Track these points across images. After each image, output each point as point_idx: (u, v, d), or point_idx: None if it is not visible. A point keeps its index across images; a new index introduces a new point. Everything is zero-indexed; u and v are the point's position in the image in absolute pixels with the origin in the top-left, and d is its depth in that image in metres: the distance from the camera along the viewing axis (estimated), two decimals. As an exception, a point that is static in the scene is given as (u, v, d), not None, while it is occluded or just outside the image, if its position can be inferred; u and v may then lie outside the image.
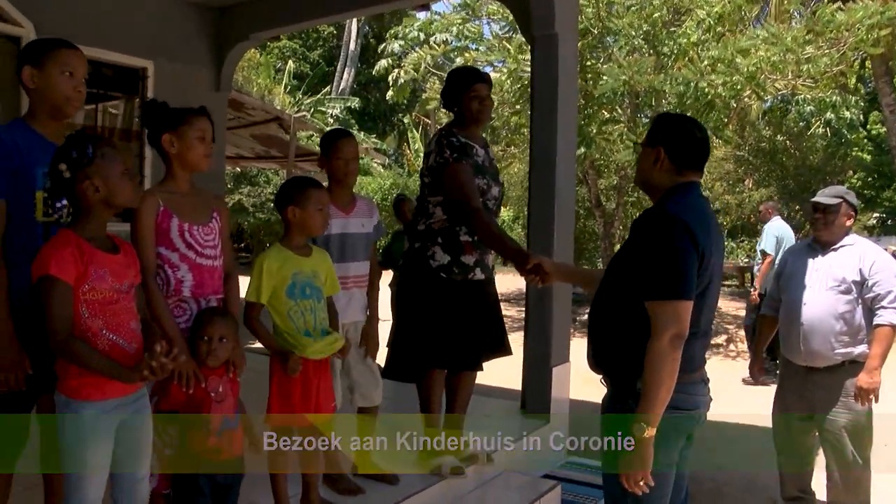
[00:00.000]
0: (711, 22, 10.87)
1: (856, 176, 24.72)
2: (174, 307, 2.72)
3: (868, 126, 25.61)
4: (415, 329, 3.79)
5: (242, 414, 2.82)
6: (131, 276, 2.41)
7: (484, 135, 4.18)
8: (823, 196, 4.25)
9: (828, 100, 14.04)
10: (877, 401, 4.04)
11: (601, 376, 2.69)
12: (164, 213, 2.71)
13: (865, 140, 25.68)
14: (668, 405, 2.40)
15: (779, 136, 16.74)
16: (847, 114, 20.26)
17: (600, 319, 2.66)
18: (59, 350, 2.24)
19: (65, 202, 2.31)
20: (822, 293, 4.12)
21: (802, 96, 13.44)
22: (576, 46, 5.56)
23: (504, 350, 4.02)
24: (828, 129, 19.88)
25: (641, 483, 2.40)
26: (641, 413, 2.37)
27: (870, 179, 25.67)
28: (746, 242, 17.76)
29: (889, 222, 25.47)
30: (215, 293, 2.84)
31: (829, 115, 18.29)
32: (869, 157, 25.18)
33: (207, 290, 2.80)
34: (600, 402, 2.69)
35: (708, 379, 2.68)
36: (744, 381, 8.47)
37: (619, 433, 2.45)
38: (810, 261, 4.24)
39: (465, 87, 3.83)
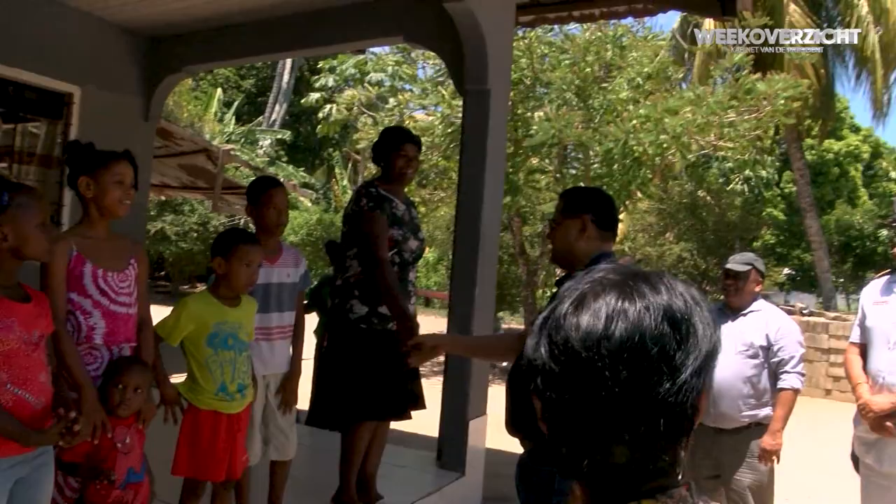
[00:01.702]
0: (640, 81, 11.23)
1: (769, 233, 25.71)
2: (85, 354, 2.64)
3: (781, 185, 26.74)
4: (341, 381, 3.77)
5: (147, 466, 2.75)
6: (42, 325, 2.32)
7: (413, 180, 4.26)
8: (734, 263, 4.40)
9: (746, 158, 14.66)
10: (778, 461, 4.17)
11: (520, 438, 2.70)
12: (76, 258, 2.63)
13: (779, 198, 26.80)
14: None
15: (700, 191, 17.30)
16: (763, 173, 21.16)
17: (524, 382, 2.65)
18: None
19: None
20: (731, 357, 4.24)
21: (722, 154, 13.97)
22: (507, 100, 5.67)
23: (419, 405, 4.04)
24: (746, 185, 20.69)
25: None
26: None
27: (782, 238, 26.72)
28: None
29: (798, 278, 26.48)
30: (128, 341, 2.77)
31: (748, 172, 19.10)
32: (782, 216, 26.23)
33: (120, 338, 2.73)
34: (515, 452, 2.69)
35: None
36: None
37: (550, 495, 2.48)
38: (721, 325, 4.36)
39: (395, 145, 3.94)
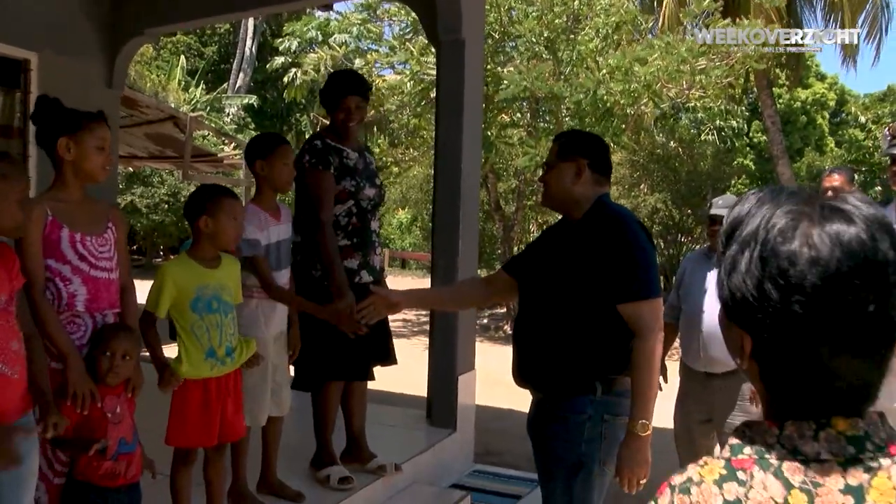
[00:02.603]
0: (609, 30, 11.13)
1: (741, 181, 25.87)
2: (67, 322, 2.53)
3: (750, 134, 26.86)
4: (307, 341, 3.69)
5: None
6: (7, 289, 2.18)
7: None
8: (718, 208, 4.37)
9: (716, 108, 14.66)
10: (769, 403, 4.17)
11: (530, 389, 2.65)
12: (52, 223, 2.51)
13: (748, 147, 26.94)
14: (617, 412, 2.41)
15: (671, 142, 17.27)
16: (734, 122, 21.19)
17: (539, 333, 2.59)
18: None
19: None
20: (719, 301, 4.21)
21: (693, 104, 13.97)
22: (481, 51, 5.55)
23: (389, 360, 3.98)
24: (717, 135, 20.71)
25: (643, 481, 2.40)
26: (640, 410, 2.37)
27: (754, 185, 26.91)
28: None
29: (771, 225, 26.73)
30: (112, 307, 2.66)
31: (719, 122, 19.11)
32: (752, 165, 26.39)
33: (103, 303, 2.62)
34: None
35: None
36: None
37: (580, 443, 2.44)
38: (708, 270, 4.34)
39: (337, 97, 3.81)
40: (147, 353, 2.82)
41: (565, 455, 2.53)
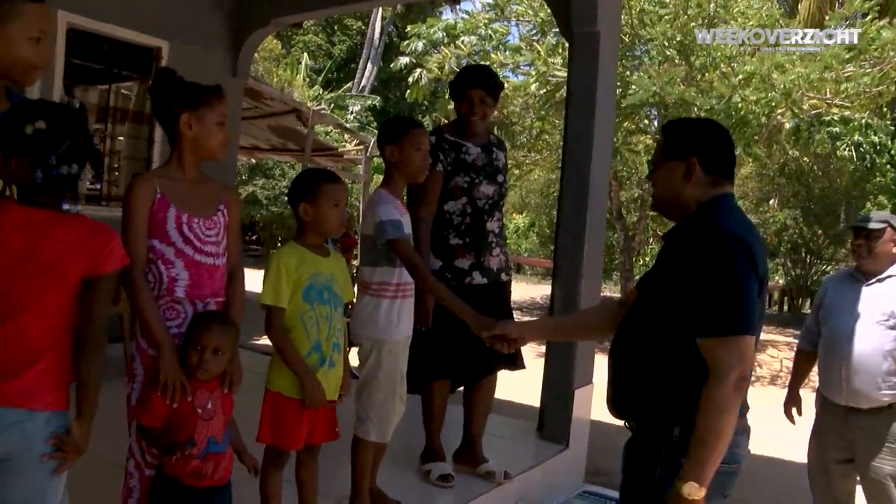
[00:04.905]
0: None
1: (877, 202, 24.30)
2: (166, 308, 2.38)
3: (893, 152, 25.19)
4: (416, 342, 3.51)
5: (235, 435, 2.49)
6: (76, 268, 1.94)
7: (505, 138, 4.02)
8: (866, 220, 3.93)
9: (856, 122, 13.67)
10: (928, 448, 3.70)
11: (624, 422, 2.32)
12: (160, 200, 2.37)
13: (888, 166, 25.27)
14: None
15: (805, 157, 16.33)
16: (875, 138, 19.86)
17: (629, 357, 2.25)
18: None
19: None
20: (868, 327, 3.77)
21: (830, 118, 13.06)
22: (616, 47, 5.22)
23: (516, 365, 3.82)
24: (854, 150, 19.45)
25: None
26: (692, 469, 1.95)
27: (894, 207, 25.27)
28: (770, 263, 17.30)
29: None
30: (214, 295, 2.49)
31: (857, 137, 17.91)
32: (893, 185, 24.75)
33: (205, 291, 2.45)
34: (620, 424, 2.33)
35: (749, 429, 2.22)
36: None
37: (649, 490, 2.10)
38: (853, 292, 3.90)
39: (462, 89, 3.77)
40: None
41: (643, 497, 2.20)
